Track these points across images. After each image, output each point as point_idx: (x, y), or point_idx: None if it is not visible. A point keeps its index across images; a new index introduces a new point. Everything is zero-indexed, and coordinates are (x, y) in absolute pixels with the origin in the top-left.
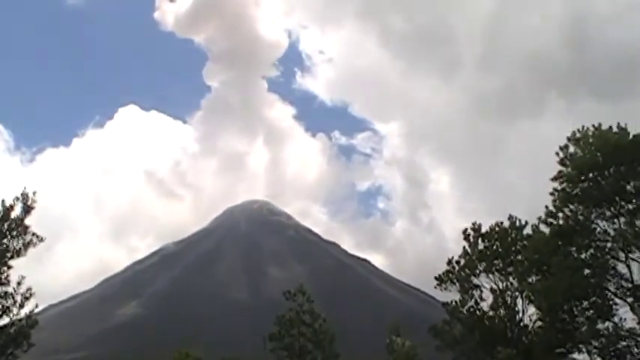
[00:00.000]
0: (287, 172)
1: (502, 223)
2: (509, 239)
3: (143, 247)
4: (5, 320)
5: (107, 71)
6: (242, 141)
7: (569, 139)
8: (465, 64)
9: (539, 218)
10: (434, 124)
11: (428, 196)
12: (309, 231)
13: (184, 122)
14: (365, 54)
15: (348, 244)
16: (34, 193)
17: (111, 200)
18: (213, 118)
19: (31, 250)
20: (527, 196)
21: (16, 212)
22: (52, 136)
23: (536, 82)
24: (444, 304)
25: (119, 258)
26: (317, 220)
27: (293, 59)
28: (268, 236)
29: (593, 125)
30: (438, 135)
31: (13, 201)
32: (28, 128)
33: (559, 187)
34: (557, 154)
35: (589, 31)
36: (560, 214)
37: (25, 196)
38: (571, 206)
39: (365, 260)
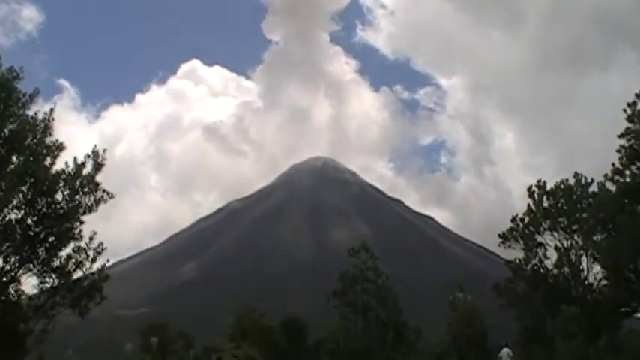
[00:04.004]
0: (350, 127)
1: (567, 180)
2: (575, 197)
3: (207, 203)
4: (79, 274)
5: (169, 27)
6: (305, 95)
7: (637, 95)
8: (531, 16)
9: (606, 176)
10: (498, 78)
11: (493, 152)
12: (374, 188)
13: (247, 77)
14: (427, 7)
15: (413, 201)
16: (104, 151)
17: (174, 156)
18: (275, 72)
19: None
20: (595, 151)
21: (87, 169)
22: (116, 92)
23: (606, 35)
24: (508, 262)
25: (183, 214)
26: (381, 176)
27: (354, 12)
28: (332, 193)
29: None
30: (503, 89)
31: (85, 158)
32: (93, 85)
33: (626, 145)
34: (625, 110)
35: None
36: (627, 172)
37: (95, 154)
38: (638, 164)
39: (429, 217)
